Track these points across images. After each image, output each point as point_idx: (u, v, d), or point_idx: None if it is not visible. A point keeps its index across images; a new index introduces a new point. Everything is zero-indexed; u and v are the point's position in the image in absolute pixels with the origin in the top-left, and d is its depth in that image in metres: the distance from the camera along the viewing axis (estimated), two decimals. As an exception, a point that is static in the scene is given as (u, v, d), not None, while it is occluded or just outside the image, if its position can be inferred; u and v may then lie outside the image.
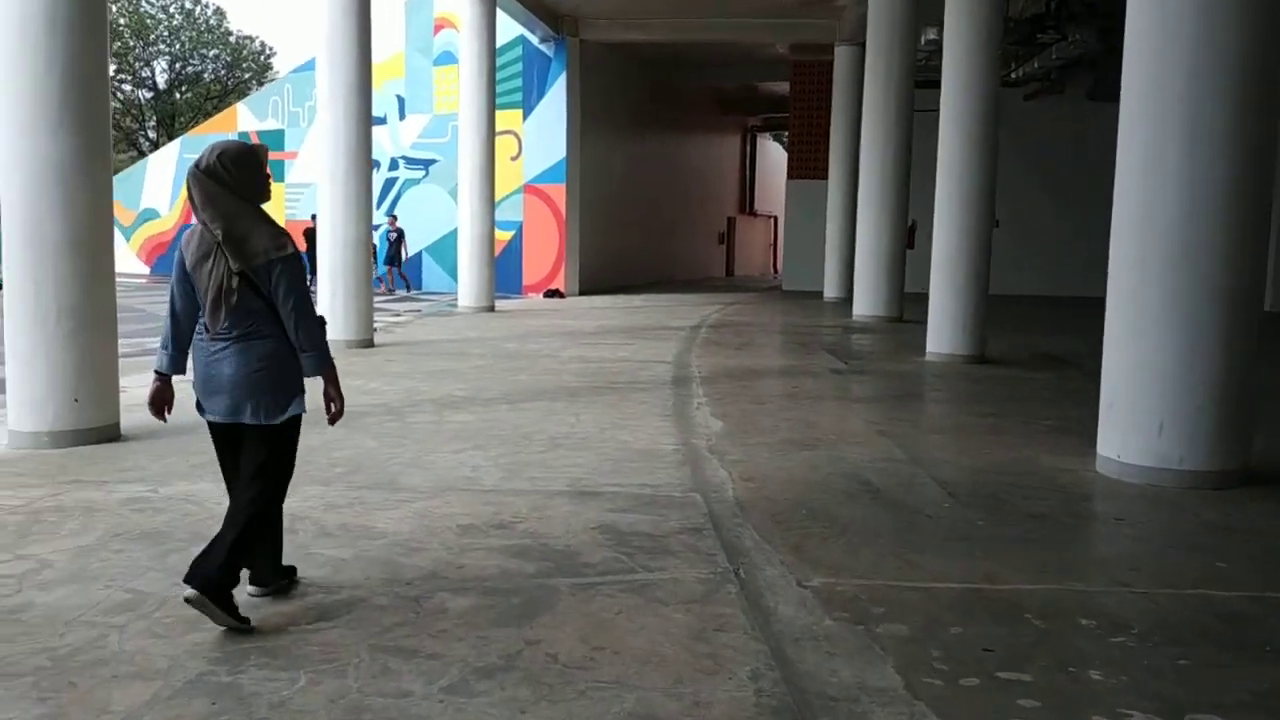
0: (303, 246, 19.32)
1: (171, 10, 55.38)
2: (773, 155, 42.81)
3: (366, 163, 12.23)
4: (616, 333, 14.44)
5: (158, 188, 28.99)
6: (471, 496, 5.48)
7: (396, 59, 24.06)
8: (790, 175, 26.22)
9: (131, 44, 53.98)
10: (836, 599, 4.06)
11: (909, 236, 16.90)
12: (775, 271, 41.28)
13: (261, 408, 3.64)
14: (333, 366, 3.77)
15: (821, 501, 5.54)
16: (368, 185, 12.26)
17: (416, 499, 5.41)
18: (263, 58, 57.31)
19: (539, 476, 5.94)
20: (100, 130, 6.50)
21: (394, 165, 24.42)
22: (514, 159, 22.68)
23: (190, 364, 3.75)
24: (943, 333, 11.61)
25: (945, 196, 11.51)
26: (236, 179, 3.59)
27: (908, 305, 16.63)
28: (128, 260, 29.27)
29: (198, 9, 55.71)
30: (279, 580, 3.98)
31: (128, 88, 56.30)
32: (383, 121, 23.40)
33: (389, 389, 9.03)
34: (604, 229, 24.18)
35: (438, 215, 24.11)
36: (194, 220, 3.67)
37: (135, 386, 8.77)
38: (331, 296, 12.06)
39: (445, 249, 24.14)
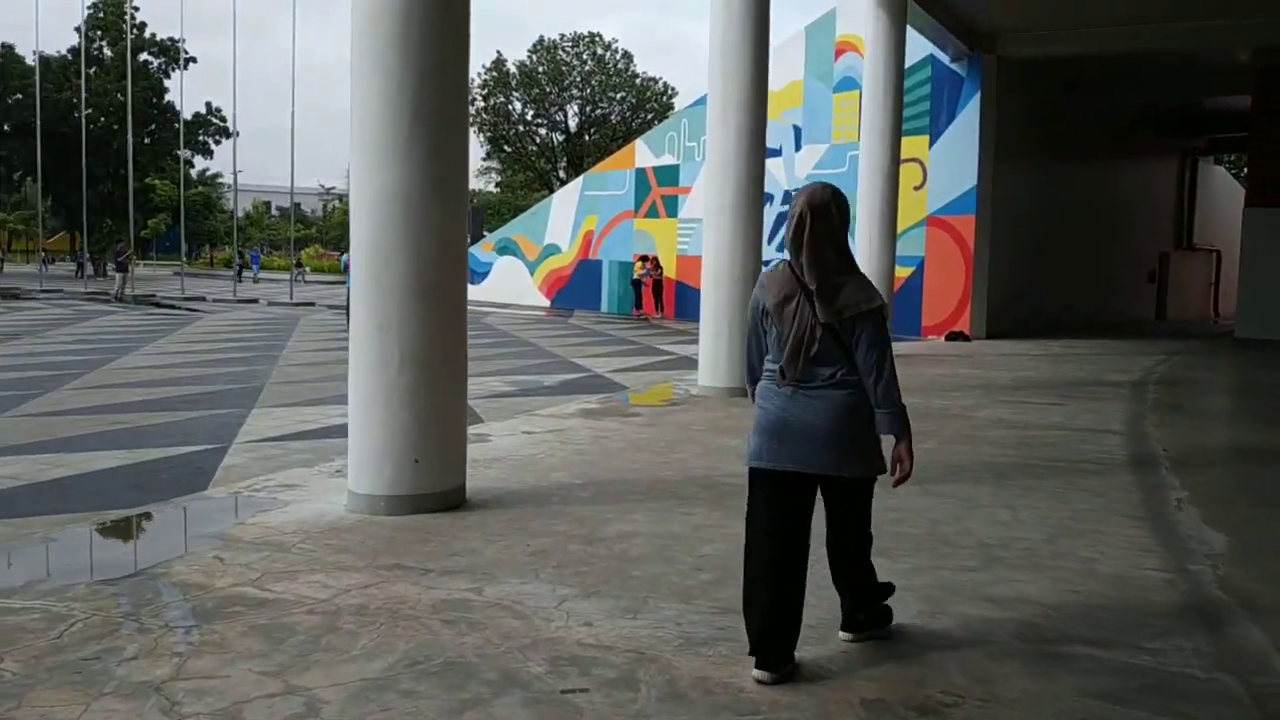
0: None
1: (585, 57, 58.64)
2: (1216, 181, 37.46)
3: (757, 192, 11.01)
4: (1040, 388, 12.20)
5: (561, 224, 29.93)
6: (878, 643, 3.88)
7: (794, 87, 23.04)
8: (1249, 203, 22.19)
9: (548, 90, 57.79)
10: None
11: None
12: (1215, 315, 36.02)
13: (847, 462, 3.50)
14: (908, 425, 3.58)
15: None
16: (758, 217, 11.03)
17: (804, 640, 3.89)
18: (665, 98, 59.19)
19: (972, 615, 4.22)
20: (454, 160, 5.63)
21: (788, 198, 23.33)
22: (917, 189, 20.78)
23: (755, 408, 3.63)
24: None
25: None
26: (840, 220, 3.51)
27: None
28: (531, 293, 30.51)
29: (607, 54, 58.62)
30: (874, 625, 3.90)
31: (543, 131, 60.37)
32: (777, 153, 22.42)
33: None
34: (1016, 265, 21.61)
35: (831, 250, 22.71)
36: (781, 258, 3.62)
37: (500, 435, 8.05)
38: (715, 338, 10.94)
39: (838, 286, 22.67)
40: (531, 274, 30.81)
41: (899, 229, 17.08)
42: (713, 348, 10.94)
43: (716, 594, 4.40)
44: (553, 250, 30.25)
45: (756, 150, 10.86)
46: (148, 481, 6.75)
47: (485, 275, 32.99)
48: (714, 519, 5.59)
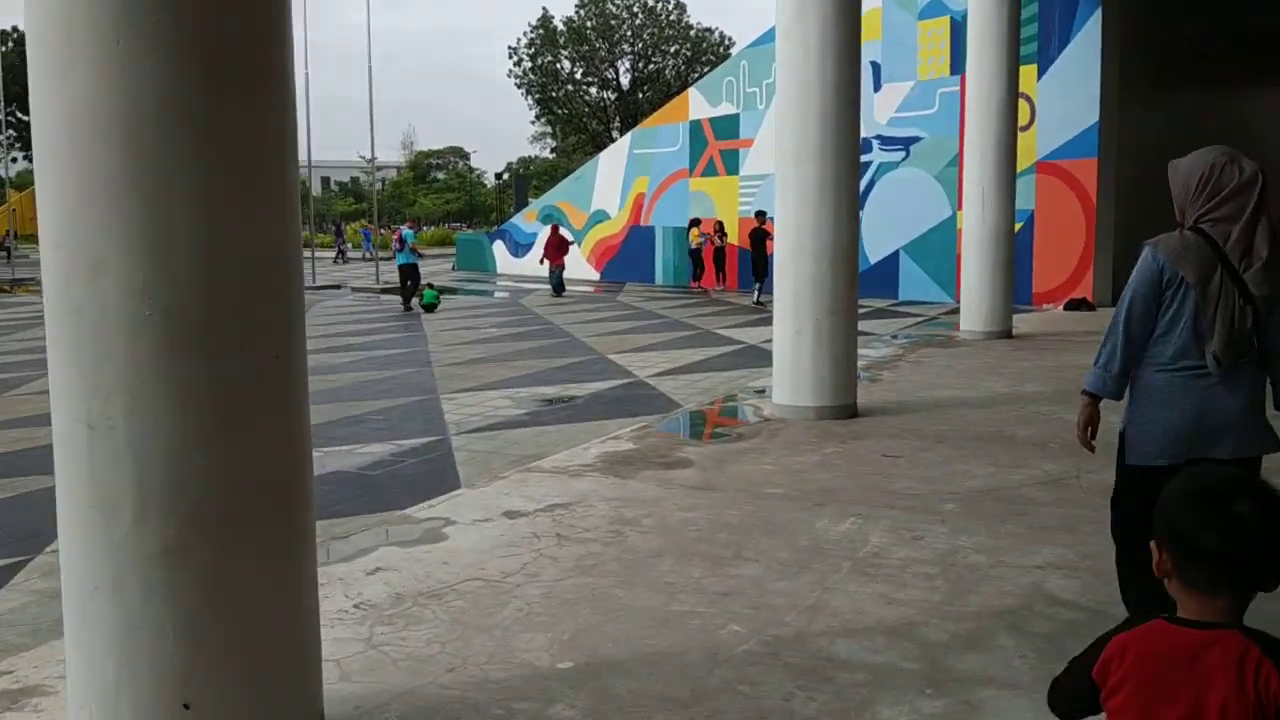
0: (741, 246, 13.97)
1: (635, 9, 55.20)
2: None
3: (852, 133, 7.87)
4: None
5: (608, 188, 26.88)
6: None
7: (871, 16, 19.53)
8: None
9: (597, 45, 54.52)
10: None
11: None
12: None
13: (1264, 440, 3.25)
14: None
15: None
16: (853, 167, 7.90)
17: None
18: (722, 49, 55.55)
19: None
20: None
21: (866, 148, 19.97)
22: (1024, 129, 17.24)
23: (1157, 408, 3.24)
24: None
25: None
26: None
27: None
28: (579, 265, 27.59)
29: (659, 5, 55.11)
30: None
31: (594, 90, 57.17)
32: (854, 94, 19.09)
33: (905, 557, 4.58)
34: (1146, 216, 17.98)
35: (920, 206, 19.39)
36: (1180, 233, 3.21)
37: (468, 519, 5.00)
38: (795, 337, 7.86)
39: (929, 249, 19.37)
40: (579, 244, 27.86)
41: (1011, 177, 13.75)
42: (792, 351, 7.86)
43: None
44: (601, 217, 27.25)
45: (849, 72, 7.71)
46: None
47: (529, 247, 30.11)
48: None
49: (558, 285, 22.90)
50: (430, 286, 19.75)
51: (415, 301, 19.41)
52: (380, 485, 6.39)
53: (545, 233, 24.90)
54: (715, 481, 5.92)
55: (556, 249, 23.51)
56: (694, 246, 23.57)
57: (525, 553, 4.65)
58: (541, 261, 24.45)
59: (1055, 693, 1.78)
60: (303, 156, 34.16)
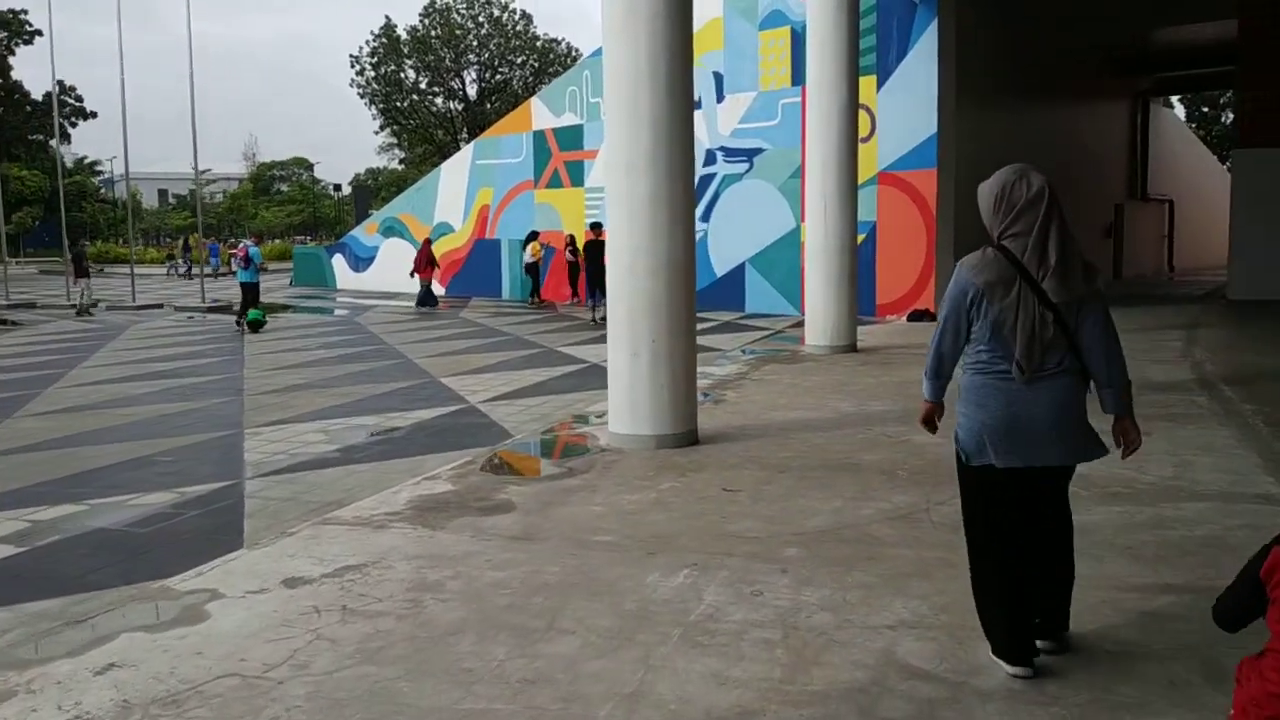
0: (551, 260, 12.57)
1: (480, 19, 54.19)
2: (1166, 126, 34.85)
3: (685, 138, 7.35)
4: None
5: (451, 199, 25.98)
6: None
7: (712, 27, 19.39)
8: (1244, 142, 19.20)
9: (443, 54, 53.29)
10: None
11: None
12: (1171, 269, 33.63)
13: (1081, 448, 3.43)
14: (1131, 399, 3.47)
15: None
16: (689, 180, 7.38)
17: None
18: (569, 60, 55.04)
19: None
20: None
21: (710, 159, 19.73)
22: (864, 140, 17.25)
23: (971, 407, 3.47)
24: None
25: None
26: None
27: None
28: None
29: (505, 15, 54.25)
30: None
31: (440, 100, 55.86)
32: (696, 106, 18.77)
33: (742, 619, 4.04)
34: (983, 227, 18.28)
35: (764, 218, 19.20)
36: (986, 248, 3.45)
37: (240, 590, 4.21)
38: (631, 359, 7.30)
39: (774, 261, 19.20)
40: (422, 257, 26.80)
41: (854, 189, 13.54)
42: (629, 376, 7.30)
43: None
44: (444, 229, 26.29)
45: (680, 71, 7.19)
46: None
47: (370, 261, 28.97)
48: None
49: (425, 299, 22.74)
50: (255, 305, 18.53)
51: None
52: (146, 547, 5.50)
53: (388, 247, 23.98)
54: (537, 529, 5.28)
55: (427, 262, 23.31)
56: (531, 260, 22.90)
57: (299, 635, 3.91)
58: (412, 275, 23.92)
59: (1224, 601, 2.38)
60: (123, 169, 32.06)
